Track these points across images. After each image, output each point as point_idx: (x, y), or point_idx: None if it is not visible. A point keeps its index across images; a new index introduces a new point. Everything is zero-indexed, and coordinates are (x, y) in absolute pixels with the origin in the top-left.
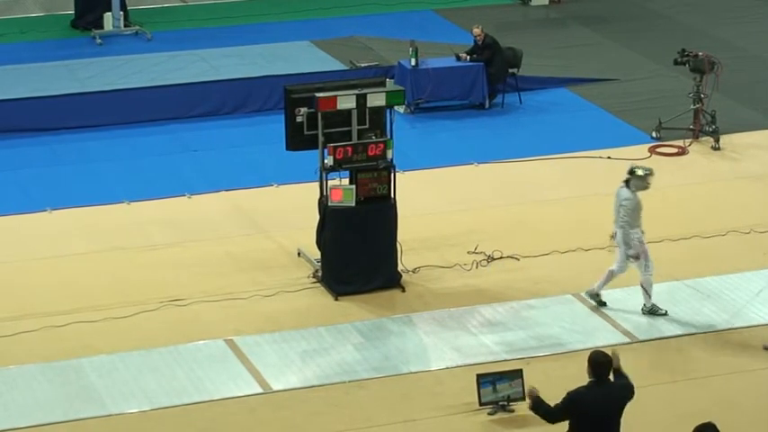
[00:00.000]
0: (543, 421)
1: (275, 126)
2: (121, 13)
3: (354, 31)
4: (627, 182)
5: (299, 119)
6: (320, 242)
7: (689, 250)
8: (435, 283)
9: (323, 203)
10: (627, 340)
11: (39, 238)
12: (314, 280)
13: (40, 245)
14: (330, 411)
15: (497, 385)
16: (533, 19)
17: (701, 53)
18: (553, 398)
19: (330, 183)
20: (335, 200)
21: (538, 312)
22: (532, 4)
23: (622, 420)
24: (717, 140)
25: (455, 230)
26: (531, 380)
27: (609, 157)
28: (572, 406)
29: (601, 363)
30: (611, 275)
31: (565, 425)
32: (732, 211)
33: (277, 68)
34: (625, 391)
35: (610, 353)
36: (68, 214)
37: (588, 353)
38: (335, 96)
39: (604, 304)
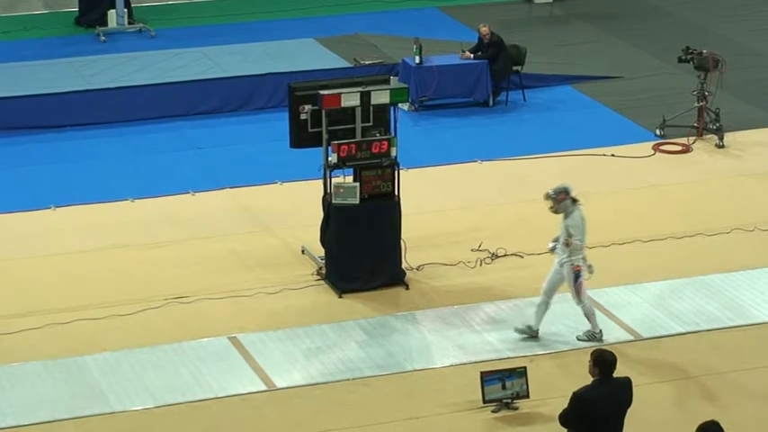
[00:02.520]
0: (546, 420)
1: (279, 123)
2: (125, 10)
3: (359, 29)
4: None
5: (303, 116)
6: (324, 240)
7: (693, 248)
8: (439, 280)
9: (327, 201)
10: (630, 338)
11: (43, 236)
12: (318, 277)
13: (44, 242)
14: (334, 409)
15: (501, 383)
16: (537, 16)
17: (705, 51)
18: (557, 396)
19: (334, 180)
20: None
21: None
22: (536, 1)
23: (625, 419)
24: (721, 138)
25: (459, 228)
26: (535, 378)
27: (613, 155)
28: (580, 405)
29: (605, 361)
30: None
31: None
32: (736, 209)
33: (281, 66)
34: (629, 389)
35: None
36: (72, 211)
37: (592, 351)
38: (339, 94)
39: None
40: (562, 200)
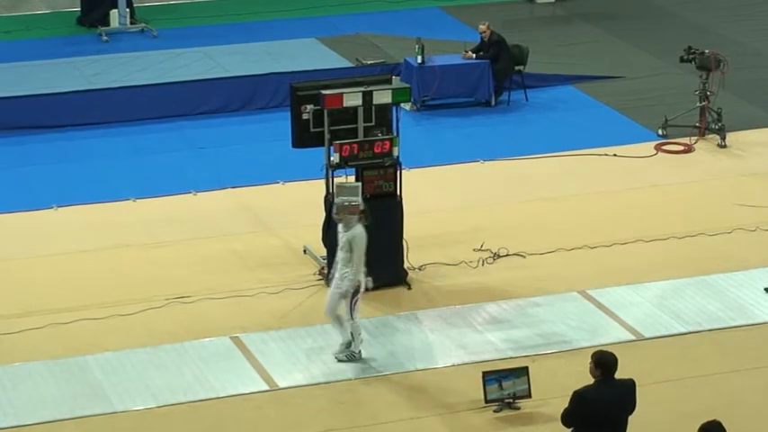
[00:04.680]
0: (548, 419)
1: (281, 123)
2: (127, 10)
3: (361, 29)
4: None
5: (305, 116)
6: (326, 239)
7: (694, 247)
8: (441, 280)
9: (329, 201)
10: (632, 338)
11: (45, 236)
12: (320, 277)
13: (45, 242)
14: (336, 408)
15: (503, 382)
16: (539, 16)
17: (707, 50)
18: (559, 396)
19: (336, 180)
20: None
21: (543, 310)
22: (538, 1)
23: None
24: (723, 138)
25: (461, 228)
26: (537, 377)
27: (615, 155)
28: (580, 404)
29: (606, 362)
30: None
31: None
32: (738, 209)
33: (283, 65)
34: (632, 391)
35: None
36: (74, 211)
37: (594, 350)
38: (342, 94)
39: None
40: (352, 212)
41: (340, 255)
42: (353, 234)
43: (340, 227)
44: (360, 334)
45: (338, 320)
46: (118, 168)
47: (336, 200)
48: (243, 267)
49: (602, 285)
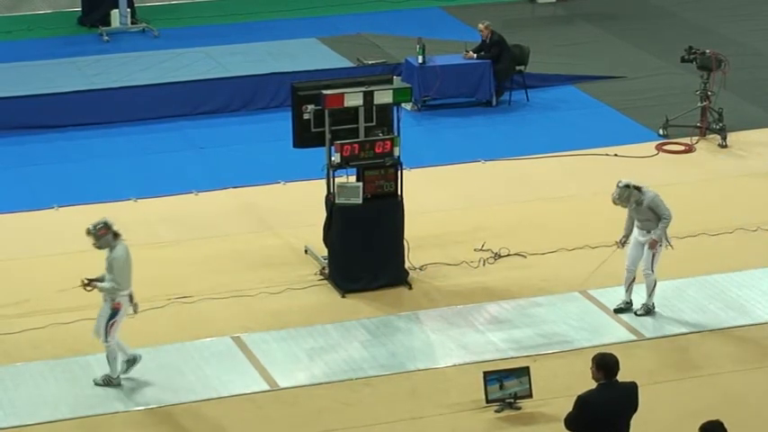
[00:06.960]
0: (549, 419)
1: (282, 123)
2: (128, 10)
3: (362, 29)
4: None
5: (306, 116)
6: (327, 239)
7: (696, 247)
8: (442, 280)
9: (330, 201)
10: (634, 338)
11: (45, 236)
12: (321, 277)
13: (46, 242)
14: (337, 409)
15: (504, 382)
16: (540, 16)
17: (708, 50)
18: (560, 396)
19: (337, 180)
20: None
21: (545, 310)
22: (540, 1)
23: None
24: (724, 138)
25: (462, 228)
26: (538, 377)
27: (616, 155)
28: (585, 409)
29: (608, 364)
30: None
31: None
32: (739, 209)
33: (284, 66)
34: (634, 394)
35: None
36: (75, 211)
37: (595, 350)
38: (342, 94)
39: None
40: (102, 235)
41: (107, 276)
42: (113, 255)
43: (106, 251)
44: (115, 359)
45: (115, 352)
46: (119, 168)
47: (86, 229)
48: (244, 267)
49: (603, 286)
